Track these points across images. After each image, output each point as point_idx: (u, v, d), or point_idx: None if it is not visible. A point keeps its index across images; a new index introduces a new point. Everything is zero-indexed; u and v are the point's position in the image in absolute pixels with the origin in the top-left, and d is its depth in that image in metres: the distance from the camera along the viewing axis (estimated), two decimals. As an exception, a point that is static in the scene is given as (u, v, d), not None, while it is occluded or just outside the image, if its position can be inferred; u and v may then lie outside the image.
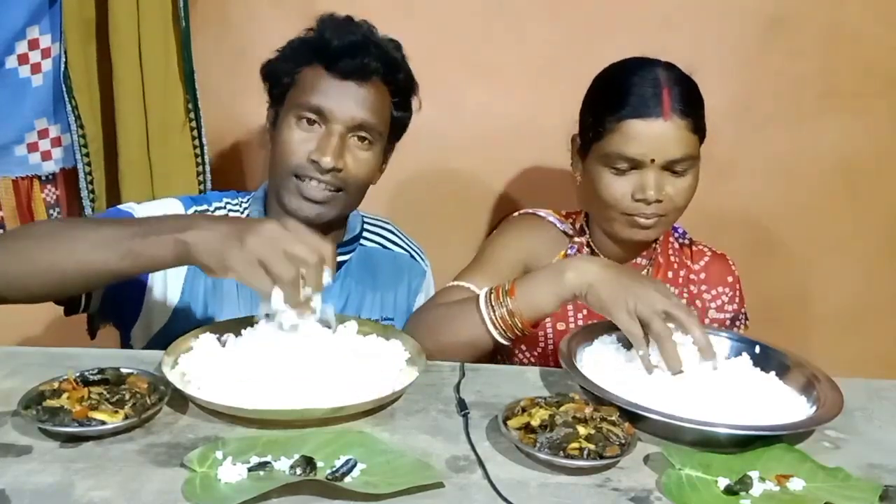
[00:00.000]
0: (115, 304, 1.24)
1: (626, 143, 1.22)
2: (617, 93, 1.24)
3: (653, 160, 1.21)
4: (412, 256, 1.48)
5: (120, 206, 1.28)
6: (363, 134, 1.24)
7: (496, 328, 1.15)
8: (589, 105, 1.31)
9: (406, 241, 1.50)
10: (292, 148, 1.23)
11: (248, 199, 1.36)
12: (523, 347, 1.40)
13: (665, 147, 1.21)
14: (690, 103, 1.24)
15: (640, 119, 1.21)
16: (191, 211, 1.30)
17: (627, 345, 1.12)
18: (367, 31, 1.26)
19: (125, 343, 1.32)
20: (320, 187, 1.23)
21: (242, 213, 1.35)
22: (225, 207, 1.34)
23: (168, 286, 1.27)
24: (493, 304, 1.15)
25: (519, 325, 1.14)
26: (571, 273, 1.12)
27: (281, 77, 1.27)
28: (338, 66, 1.21)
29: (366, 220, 1.45)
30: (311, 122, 1.23)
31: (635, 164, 1.23)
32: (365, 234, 1.43)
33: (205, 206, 1.32)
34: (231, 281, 1.29)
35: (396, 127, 1.32)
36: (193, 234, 0.95)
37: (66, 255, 1.00)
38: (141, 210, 1.26)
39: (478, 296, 1.18)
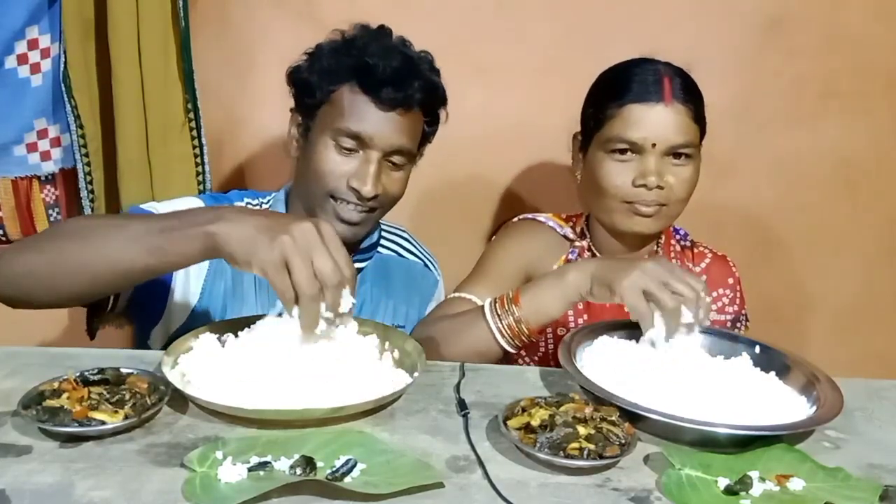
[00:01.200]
0: (139, 305, 1.24)
1: (628, 127, 1.23)
2: (618, 82, 1.26)
3: (654, 145, 1.23)
4: (426, 265, 1.48)
5: (142, 206, 1.27)
6: (397, 159, 1.25)
7: (503, 337, 1.15)
8: (591, 99, 1.33)
9: (420, 249, 1.50)
10: (330, 169, 1.22)
11: (269, 200, 1.36)
12: (523, 353, 1.41)
13: (666, 132, 1.22)
14: (691, 92, 1.26)
15: (641, 104, 1.23)
16: None
17: (627, 344, 1.12)
18: (407, 52, 1.25)
19: (142, 343, 1.32)
20: (357, 209, 1.24)
21: None
22: (246, 207, 1.33)
23: (189, 286, 1.26)
24: (500, 313, 1.16)
25: (526, 331, 1.15)
26: (573, 273, 1.13)
27: (313, 90, 1.25)
28: (381, 93, 1.20)
29: (383, 227, 1.45)
30: (349, 147, 1.22)
31: (636, 149, 1.24)
32: (382, 241, 1.43)
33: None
34: (250, 283, 1.29)
35: (425, 140, 1.33)
36: (223, 225, 0.93)
37: (96, 253, 0.98)
38: (162, 209, 1.24)
39: (482, 306, 1.18)
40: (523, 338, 1.16)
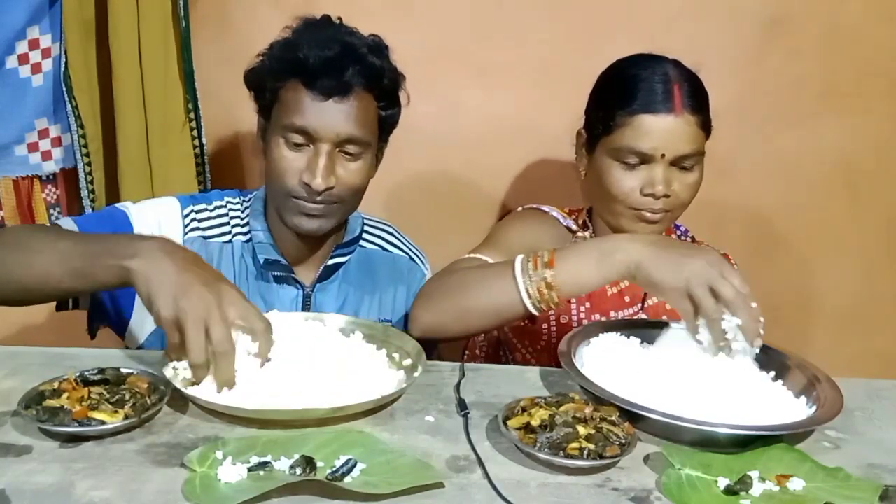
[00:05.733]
0: (106, 302, 1.25)
1: (638, 137, 1.22)
2: (628, 87, 1.25)
3: (663, 155, 1.22)
4: (412, 259, 1.47)
5: (116, 205, 1.28)
6: (351, 148, 1.22)
7: (530, 298, 1.10)
8: (598, 99, 1.32)
9: (406, 243, 1.49)
10: (284, 167, 1.22)
11: (251, 199, 1.36)
12: (526, 342, 1.40)
13: (675, 142, 1.22)
14: (700, 99, 1.25)
15: (652, 114, 1.22)
16: (188, 210, 1.29)
17: (627, 344, 1.12)
18: (346, 39, 1.22)
19: (123, 339, 1.32)
20: (317, 203, 1.22)
21: (244, 211, 1.34)
22: (226, 206, 1.34)
23: None
24: (531, 272, 1.10)
25: (556, 298, 1.09)
26: (621, 253, 1.07)
27: (264, 90, 1.25)
28: (317, 84, 1.19)
29: (366, 221, 1.44)
30: (298, 142, 1.21)
31: (645, 159, 1.23)
32: (365, 235, 1.43)
33: (203, 205, 1.32)
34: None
35: (386, 125, 1.30)
36: (139, 262, 0.95)
37: (26, 267, 1.03)
38: (136, 210, 1.26)
39: (512, 262, 1.13)
40: (551, 304, 1.10)
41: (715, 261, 1.02)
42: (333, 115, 1.19)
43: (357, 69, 1.20)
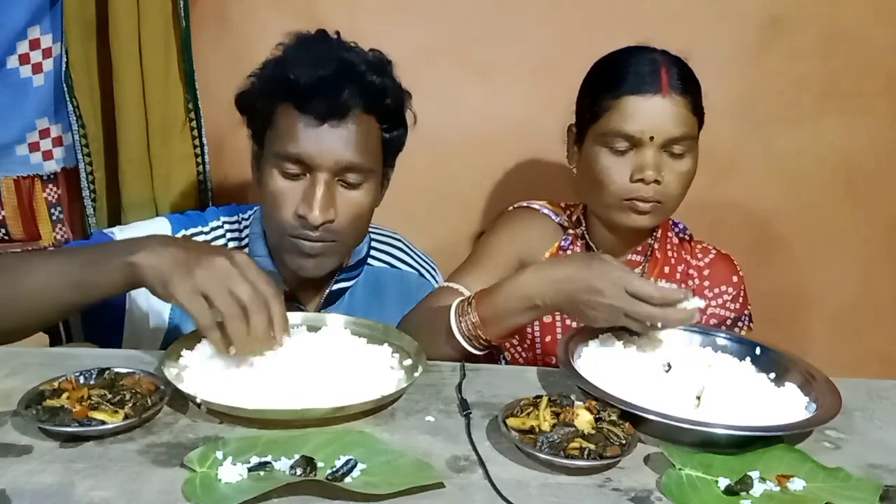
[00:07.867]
0: (96, 334, 1.22)
1: (625, 120, 1.21)
2: (615, 73, 1.24)
3: (652, 138, 1.21)
4: (421, 275, 1.41)
5: (104, 231, 1.25)
6: (351, 177, 1.14)
7: (465, 338, 1.13)
8: (586, 89, 1.31)
9: (416, 257, 1.43)
10: (279, 202, 1.14)
11: (249, 218, 1.30)
12: (514, 341, 1.40)
13: (664, 124, 1.20)
14: (688, 82, 1.24)
15: (638, 95, 1.20)
16: (180, 234, 1.24)
17: (626, 345, 1.12)
18: (342, 56, 1.13)
19: None
20: (314, 241, 1.15)
21: (242, 231, 1.29)
22: (223, 227, 1.29)
23: (151, 314, 1.21)
24: (461, 315, 1.13)
25: (484, 336, 1.12)
26: (531, 282, 1.09)
27: (256, 114, 1.18)
28: (310, 107, 1.10)
29: (373, 237, 1.38)
30: (294, 172, 1.13)
31: (634, 143, 1.22)
32: (372, 252, 1.37)
33: (199, 228, 1.27)
34: None
35: (391, 149, 1.22)
36: (142, 255, 0.94)
37: (20, 291, 1.00)
38: (121, 235, 1.22)
39: (450, 307, 1.15)
40: (482, 342, 1.13)
41: (619, 277, 1.02)
42: (331, 142, 1.11)
43: (355, 89, 1.11)
